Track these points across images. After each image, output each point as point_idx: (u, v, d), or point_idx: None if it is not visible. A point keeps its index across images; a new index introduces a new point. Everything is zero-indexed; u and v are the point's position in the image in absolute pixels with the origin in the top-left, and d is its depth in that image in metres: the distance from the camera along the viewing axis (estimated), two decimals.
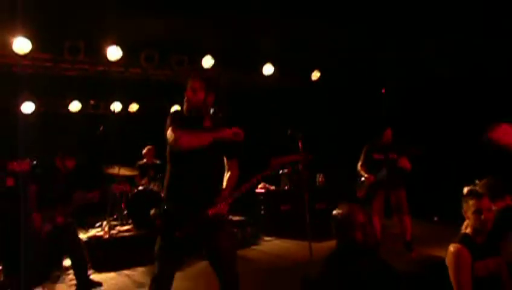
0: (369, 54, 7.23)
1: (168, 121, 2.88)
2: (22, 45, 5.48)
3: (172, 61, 6.52)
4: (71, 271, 5.15)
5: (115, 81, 7.01)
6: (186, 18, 5.49)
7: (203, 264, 5.12)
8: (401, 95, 7.57)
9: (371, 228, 2.22)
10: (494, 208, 2.96)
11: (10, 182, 5.37)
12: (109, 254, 5.69)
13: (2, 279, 5.21)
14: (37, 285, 4.66)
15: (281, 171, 7.81)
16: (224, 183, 2.98)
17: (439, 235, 5.97)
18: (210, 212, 2.76)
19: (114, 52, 5.96)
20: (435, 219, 7.17)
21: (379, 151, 5.50)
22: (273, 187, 7.89)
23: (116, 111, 7.71)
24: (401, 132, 5.79)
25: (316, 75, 7.78)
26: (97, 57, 6.18)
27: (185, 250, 2.87)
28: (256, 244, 6.79)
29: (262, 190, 7.82)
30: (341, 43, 6.92)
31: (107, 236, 5.93)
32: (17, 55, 5.59)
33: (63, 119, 8.21)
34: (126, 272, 5.39)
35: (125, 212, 6.79)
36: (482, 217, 2.60)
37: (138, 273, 5.34)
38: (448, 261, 2.64)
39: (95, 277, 5.04)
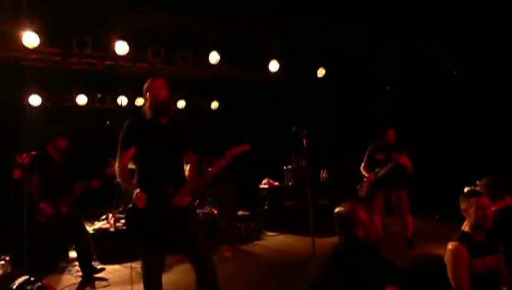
0: (375, 52, 7.25)
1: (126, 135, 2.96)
2: (30, 39, 5.53)
3: (178, 56, 6.57)
4: (77, 262, 5.24)
5: (121, 76, 7.06)
6: (192, 14, 5.53)
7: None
8: (406, 93, 7.58)
9: (372, 226, 2.24)
10: (493, 207, 3.02)
11: (17, 174, 5.46)
12: (114, 247, 5.77)
13: (10, 270, 5.32)
14: (43, 276, 4.74)
15: (285, 168, 7.87)
16: (187, 175, 3.10)
17: (440, 233, 5.95)
18: (176, 201, 2.87)
19: (121, 47, 6.01)
20: (436, 217, 7.20)
21: (381, 152, 5.52)
22: (276, 183, 7.94)
23: (123, 105, 7.76)
24: (403, 130, 5.81)
25: (321, 72, 7.80)
26: (104, 52, 6.23)
27: (158, 242, 2.93)
28: (259, 239, 6.86)
29: (266, 186, 7.89)
30: (346, 41, 6.93)
31: (112, 229, 6.01)
32: (25, 48, 5.65)
33: (69, 113, 8.27)
34: (131, 264, 5.46)
35: (131, 205, 6.85)
36: (482, 214, 2.65)
37: (139, 266, 5.40)
38: (447, 258, 2.70)
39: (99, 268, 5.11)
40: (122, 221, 6.41)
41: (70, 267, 5.36)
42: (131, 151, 2.93)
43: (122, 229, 6.10)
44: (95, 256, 5.30)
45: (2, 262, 5.72)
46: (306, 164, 5.92)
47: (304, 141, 5.41)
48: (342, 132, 8.48)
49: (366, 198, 5.60)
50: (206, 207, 7.28)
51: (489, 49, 6.00)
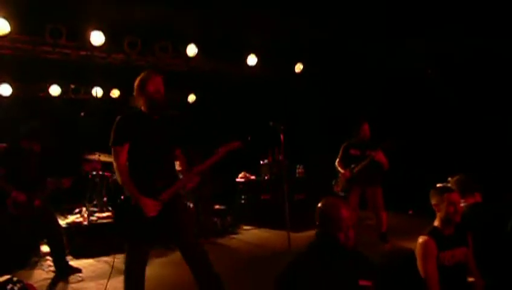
0: (353, 47, 7.31)
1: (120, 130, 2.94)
2: (0, 26, 5.36)
3: (156, 48, 6.48)
4: (49, 257, 5.14)
5: (96, 67, 6.92)
6: (171, 6, 5.46)
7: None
8: (383, 89, 7.69)
9: (352, 230, 2.22)
10: (463, 203, 3.12)
11: None
12: (88, 241, 5.68)
13: None
14: (14, 270, 4.63)
15: (261, 162, 7.89)
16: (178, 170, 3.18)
17: (414, 228, 6.10)
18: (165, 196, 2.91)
19: (97, 37, 5.88)
20: (410, 212, 7.36)
21: (356, 147, 5.55)
22: (253, 177, 7.96)
23: (97, 96, 7.62)
24: (380, 126, 5.88)
25: (299, 67, 7.84)
26: (79, 42, 6.09)
27: (148, 235, 2.94)
28: (235, 233, 6.87)
29: (243, 179, 7.90)
30: (325, 36, 6.97)
31: (86, 223, 5.91)
32: None
33: (42, 104, 8.06)
34: (105, 258, 5.39)
35: (105, 199, 6.77)
36: (453, 209, 2.73)
37: (117, 260, 5.33)
38: (417, 251, 2.80)
39: (73, 263, 5.02)
40: (96, 215, 6.32)
41: (42, 262, 5.24)
42: (127, 146, 2.91)
43: (96, 223, 6.01)
44: (68, 250, 5.21)
45: None
46: (283, 158, 5.96)
47: (281, 135, 5.45)
48: (318, 127, 8.55)
49: (341, 193, 5.66)
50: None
51: (468, 47, 6.13)
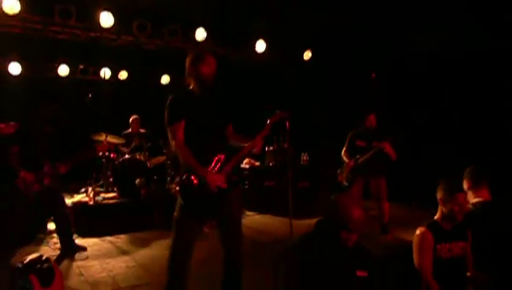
0: (362, 37, 7.26)
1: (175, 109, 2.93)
2: (11, 5, 5.38)
3: (166, 31, 6.47)
4: (55, 234, 5.24)
5: (105, 48, 6.93)
6: None
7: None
8: (391, 79, 7.65)
9: (356, 235, 2.20)
10: (475, 200, 3.11)
11: None
12: (93, 220, 5.77)
13: None
14: (20, 247, 4.73)
15: (266, 149, 7.92)
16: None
17: (416, 219, 6.14)
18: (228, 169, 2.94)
19: (106, 19, 5.89)
20: (413, 203, 7.37)
21: (362, 138, 5.54)
22: (258, 163, 8.00)
23: (106, 78, 7.65)
24: (386, 117, 5.86)
25: (307, 55, 7.80)
26: (89, 23, 6.10)
27: (204, 216, 2.97)
28: None
29: (247, 165, 7.93)
30: (334, 25, 6.92)
31: (92, 202, 6.00)
32: (5, 15, 5.49)
33: (50, 83, 8.12)
34: (109, 238, 5.49)
35: (111, 179, 6.84)
36: (458, 209, 2.73)
37: (121, 240, 5.45)
38: (413, 242, 2.83)
39: (78, 242, 5.12)
40: (102, 195, 6.41)
41: (48, 239, 5.34)
42: (183, 124, 2.91)
43: (101, 203, 6.10)
44: (74, 229, 5.30)
45: None
46: (288, 146, 5.97)
47: (287, 123, 5.44)
48: (325, 115, 8.54)
49: (345, 183, 5.68)
50: None
51: (477, 41, 6.07)
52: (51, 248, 5.05)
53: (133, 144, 7.16)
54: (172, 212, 3.01)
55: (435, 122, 6.90)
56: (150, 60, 7.98)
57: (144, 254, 4.93)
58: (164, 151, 7.19)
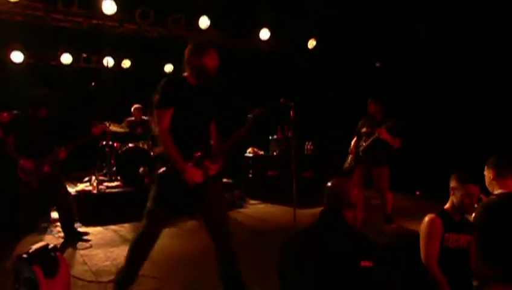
0: (367, 26, 7.17)
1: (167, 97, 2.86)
2: None
3: (169, 19, 6.41)
4: (59, 223, 5.25)
5: (108, 36, 6.88)
6: None
7: (190, 223, 5.26)
8: (397, 68, 7.57)
9: (361, 212, 2.22)
10: (498, 191, 3.02)
11: None
12: (97, 209, 5.78)
13: None
14: (23, 235, 4.75)
15: (270, 138, 7.88)
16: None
17: (420, 209, 6.12)
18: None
19: (109, 6, 5.83)
20: (417, 193, 7.35)
21: (368, 125, 5.52)
22: (261, 152, 7.97)
23: (109, 66, 7.60)
24: (392, 105, 5.80)
25: (312, 43, 7.72)
26: (91, 10, 6.04)
27: (181, 208, 2.99)
28: (242, 207, 6.93)
29: (251, 154, 7.91)
30: (338, 13, 6.85)
31: (95, 191, 6.00)
32: (7, 1, 5.44)
33: (53, 72, 8.07)
34: (113, 227, 5.50)
35: (114, 168, 6.84)
36: (469, 202, 2.69)
37: (125, 229, 5.45)
38: (421, 229, 2.78)
39: (81, 230, 5.13)
40: (105, 184, 6.41)
41: (51, 228, 5.36)
42: (171, 111, 2.84)
43: (105, 192, 6.10)
44: (77, 218, 5.30)
45: None
46: (292, 135, 5.93)
47: (291, 112, 5.41)
48: (329, 104, 8.48)
49: (349, 171, 5.66)
50: None
51: (488, 33, 5.99)
52: (54, 237, 5.06)
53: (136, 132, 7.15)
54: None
55: (440, 112, 6.83)
56: (153, 49, 7.92)
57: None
58: None
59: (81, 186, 6.34)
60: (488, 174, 3.12)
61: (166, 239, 4.86)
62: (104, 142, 6.88)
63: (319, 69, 8.43)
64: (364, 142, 5.47)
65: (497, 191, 3.05)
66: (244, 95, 8.32)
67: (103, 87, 7.12)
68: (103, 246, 4.77)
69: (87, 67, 8.41)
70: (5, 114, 5.34)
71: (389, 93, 6.98)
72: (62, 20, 6.18)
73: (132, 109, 7.40)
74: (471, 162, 3.36)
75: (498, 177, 3.04)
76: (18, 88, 6.55)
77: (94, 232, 5.23)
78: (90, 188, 6.15)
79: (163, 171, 2.85)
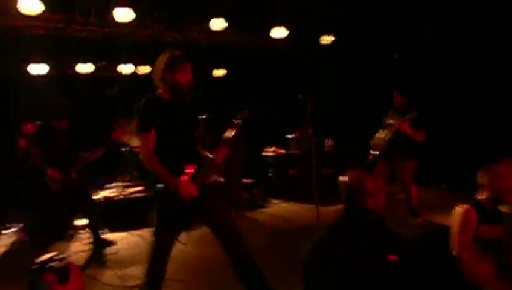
0: (383, 18, 7.08)
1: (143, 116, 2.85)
2: (33, 6, 5.44)
3: (182, 23, 6.44)
4: (83, 230, 5.35)
5: (125, 43, 6.96)
6: None
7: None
8: (415, 60, 7.44)
9: (381, 195, 2.22)
10: None
11: (23, 143, 5.49)
12: (121, 215, 5.85)
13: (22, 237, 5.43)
14: (51, 244, 4.83)
15: (290, 136, 7.85)
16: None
17: (446, 202, 5.98)
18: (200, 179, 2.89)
19: (123, 14, 5.89)
20: (442, 186, 7.19)
21: (393, 117, 5.45)
22: (281, 151, 7.94)
23: (127, 73, 7.69)
24: (413, 98, 5.71)
25: (328, 39, 7.65)
26: (106, 19, 6.12)
27: (185, 223, 2.97)
28: (263, 206, 6.92)
29: (271, 153, 7.90)
30: (354, 7, 6.78)
31: (118, 197, 6.07)
32: (27, 16, 5.56)
33: (72, 82, 8.22)
34: (138, 232, 5.55)
35: (136, 173, 6.90)
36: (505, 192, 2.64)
37: (150, 233, 5.44)
38: (454, 220, 2.71)
39: (108, 236, 5.21)
40: (129, 190, 6.48)
41: (77, 235, 5.45)
42: (153, 132, 2.84)
43: (128, 198, 6.17)
44: (101, 224, 5.37)
45: (15, 229, 5.86)
46: (311, 132, 5.88)
47: (309, 109, 5.36)
48: (348, 100, 8.38)
49: (372, 164, 5.57)
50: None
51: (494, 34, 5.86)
52: (81, 244, 5.14)
53: None
54: None
55: (464, 105, 6.68)
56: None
57: (174, 247, 4.95)
58: None
59: (104, 193, 6.43)
60: None
61: (190, 242, 4.90)
62: (124, 149, 6.96)
63: (337, 64, 8.36)
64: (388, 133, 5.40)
65: None
66: (261, 93, 8.36)
67: (122, 94, 7.22)
68: (129, 250, 4.83)
69: (105, 75, 8.54)
70: (28, 125, 5.48)
71: (408, 84, 6.89)
72: (80, 31, 6.28)
73: None
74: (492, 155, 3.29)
75: None
76: (40, 99, 6.71)
77: (119, 237, 5.30)
78: (115, 194, 6.23)
79: (160, 188, 2.84)
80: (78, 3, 5.77)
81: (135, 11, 5.92)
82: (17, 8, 5.22)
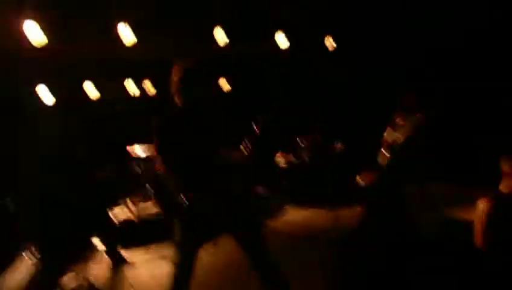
0: (387, 21, 7.08)
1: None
2: (39, 38, 5.49)
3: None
4: (100, 250, 5.34)
5: (129, 61, 7.01)
6: None
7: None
8: (423, 61, 7.39)
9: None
10: None
11: None
12: (137, 230, 5.83)
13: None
14: (70, 265, 4.83)
15: (300, 143, 7.82)
16: None
17: (464, 196, 5.87)
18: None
19: (126, 33, 5.93)
20: (457, 181, 7.05)
21: (402, 117, 5.45)
22: (294, 159, 7.91)
23: (135, 94, 7.73)
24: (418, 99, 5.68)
25: (331, 44, 7.64)
26: (111, 39, 6.16)
27: (208, 236, 2.96)
28: (279, 214, 6.86)
29: (283, 161, 7.86)
30: (358, 12, 6.79)
31: (135, 219, 6.04)
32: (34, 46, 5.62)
33: (81, 105, 8.27)
34: (154, 246, 5.51)
35: (149, 190, 6.88)
36: None
37: (165, 247, 5.46)
38: (477, 215, 2.64)
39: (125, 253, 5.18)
40: (141, 206, 6.45)
41: (95, 255, 5.43)
42: (172, 152, 2.81)
43: (147, 219, 6.13)
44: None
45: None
46: (321, 137, 5.85)
47: (318, 114, 5.34)
48: (357, 102, 8.33)
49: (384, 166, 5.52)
50: None
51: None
52: (97, 264, 5.12)
53: None
54: None
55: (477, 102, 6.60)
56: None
57: (148, 272, 4.85)
58: None
59: (116, 210, 6.39)
60: None
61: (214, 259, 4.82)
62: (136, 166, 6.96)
63: (343, 68, 8.33)
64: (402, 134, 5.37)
65: None
66: (263, 100, 8.35)
67: (130, 113, 7.25)
68: (146, 265, 4.80)
69: (112, 96, 8.58)
70: None
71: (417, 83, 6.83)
72: (84, 54, 6.33)
73: None
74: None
75: None
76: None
77: (136, 252, 5.27)
78: (131, 215, 6.20)
79: (180, 202, 2.82)
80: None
81: (137, 30, 5.95)
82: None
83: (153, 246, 5.56)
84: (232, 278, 4.16)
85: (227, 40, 6.46)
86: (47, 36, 5.30)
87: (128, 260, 4.98)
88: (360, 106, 8.08)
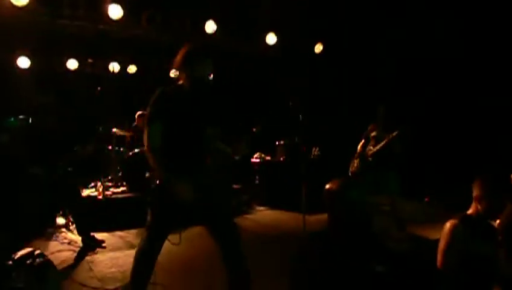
0: (373, 29, 7.13)
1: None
2: None
3: (175, 23, 6.38)
4: (63, 229, 5.22)
5: (114, 41, 6.86)
6: None
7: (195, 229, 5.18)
8: (403, 72, 7.49)
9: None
10: None
11: None
12: (103, 215, 5.71)
13: None
14: (31, 240, 4.71)
15: (277, 143, 7.82)
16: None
17: (430, 215, 6.03)
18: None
19: (115, 11, 5.81)
20: (426, 199, 7.23)
21: (376, 130, 5.54)
22: (268, 157, 7.90)
23: (115, 72, 7.57)
24: (399, 109, 5.77)
25: (318, 48, 7.66)
26: (97, 15, 6.02)
27: (178, 221, 2.88)
28: (248, 213, 6.86)
29: (258, 160, 7.85)
30: (345, 16, 6.81)
31: (101, 197, 5.95)
32: (14, 6, 5.43)
33: (58, 77, 8.07)
34: (119, 233, 5.44)
35: (120, 174, 6.79)
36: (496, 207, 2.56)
37: (131, 235, 5.39)
38: (442, 235, 2.65)
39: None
40: (111, 189, 6.36)
41: (57, 234, 5.31)
42: (163, 125, 2.77)
43: (110, 198, 6.04)
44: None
45: None
46: (299, 140, 5.87)
47: (300, 116, 5.35)
48: (336, 109, 8.41)
49: (355, 175, 5.60)
50: None
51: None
52: (59, 242, 5.00)
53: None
54: None
55: (450, 116, 6.75)
56: (160, 53, 7.90)
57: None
58: None
59: (87, 192, 6.30)
60: None
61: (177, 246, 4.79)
62: (109, 148, 6.84)
63: (326, 73, 8.38)
64: (373, 146, 5.46)
65: None
66: (250, 98, 8.33)
67: (109, 93, 7.10)
68: (109, 252, 4.71)
69: (93, 72, 8.40)
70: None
71: (397, 94, 6.94)
72: (68, 26, 6.16)
73: (136, 116, 7.35)
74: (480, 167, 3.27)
75: None
76: (24, 93, 6.55)
77: (100, 237, 5.17)
78: (96, 193, 6.11)
79: (158, 184, 2.78)
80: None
81: (126, 9, 5.84)
82: None
83: (117, 232, 5.48)
84: (197, 267, 4.14)
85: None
86: None
87: (97, 244, 4.88)
88: (338, 115, 8.17)
